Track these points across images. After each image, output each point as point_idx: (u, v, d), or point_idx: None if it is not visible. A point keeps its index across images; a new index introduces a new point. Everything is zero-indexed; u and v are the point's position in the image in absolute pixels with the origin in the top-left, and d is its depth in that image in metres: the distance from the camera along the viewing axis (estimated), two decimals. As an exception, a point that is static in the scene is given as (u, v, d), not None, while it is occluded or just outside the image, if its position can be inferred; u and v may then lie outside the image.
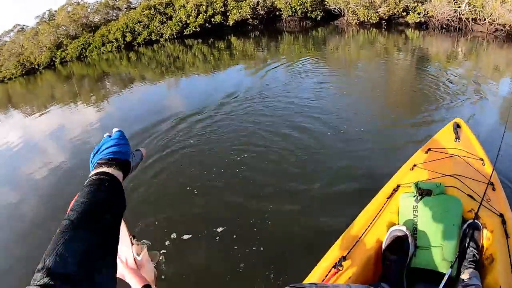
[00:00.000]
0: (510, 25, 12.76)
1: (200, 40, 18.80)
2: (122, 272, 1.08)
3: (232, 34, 19.12)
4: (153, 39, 20.92)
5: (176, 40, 20.31)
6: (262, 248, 2.94)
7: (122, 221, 1.19)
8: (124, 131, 0.91)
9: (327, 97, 6.96)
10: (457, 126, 2.83)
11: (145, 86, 11.20)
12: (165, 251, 3.07)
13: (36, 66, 22.17)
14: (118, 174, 0.80)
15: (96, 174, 0.77)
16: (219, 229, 3.23)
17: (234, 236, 3.14)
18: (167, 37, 20.58)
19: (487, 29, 13.59)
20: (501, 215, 1.84)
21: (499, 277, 1.52)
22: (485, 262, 1.70)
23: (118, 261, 1.07)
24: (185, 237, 3.22)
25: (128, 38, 20.47)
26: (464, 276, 1.57)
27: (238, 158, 4.64)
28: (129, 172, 0.88)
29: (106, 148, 0.87)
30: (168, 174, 4.54)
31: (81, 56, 21.12)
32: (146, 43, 20.89)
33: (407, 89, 7.13)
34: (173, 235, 3.25)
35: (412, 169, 2.40)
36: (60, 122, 8.49)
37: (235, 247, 3.00)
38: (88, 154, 0.83)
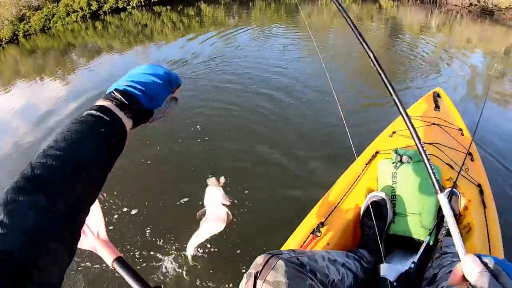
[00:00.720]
0: (484, 1, 13.01)
1: (168, 7, 17.98)
2: (94, 244, 1.01)
3: (202, 1, 18.36)
4: (120, 6, 19.64)
5: (144, 8, 19.29)
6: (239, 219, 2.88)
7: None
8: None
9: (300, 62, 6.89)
10: (437, 95, 2.81)
11: (113, 56, 10.58)
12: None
13: (-2, 42, 20.44)
14: (127, 122, 0.61)
15: (99, 109, 0.58)
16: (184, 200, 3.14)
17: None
18: (134, 5, 19.42)
19: (462, 3, 13.76)
20: (479, 185, 1.85)
21: (476, 246, 1.53)
22: (462, 231, 1.70)
23: (89, 233, 1.04)
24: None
25: (94, 6, 19.12)
26: (442, 244, 1.56)
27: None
28: (143, 122, 0.68)
29: (134, 77, 0.66)
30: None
31: (45, 28, 19.47)
32: (113, 11, 19.62)
33: (381, 58, 7.08)
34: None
35: (391, 136, 2.37)
36: (27, 98, 7.76)
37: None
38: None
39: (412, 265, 1.39)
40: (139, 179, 3.54)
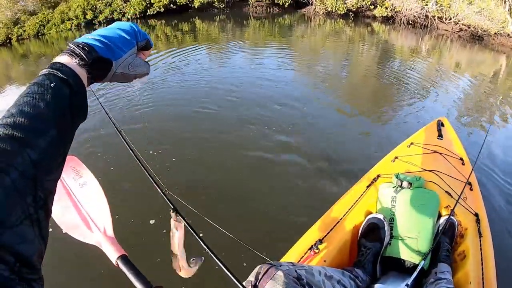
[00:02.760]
0: (474, 26, 13.32)
1: (163, 21, 17.90)
2: (99, 240, 1.03)
3: (197, 17, 18.28)
4: (115, 18, 19.25)
5: (138, 20, 19.07)
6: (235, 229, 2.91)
7: (99, 185, 1.11)
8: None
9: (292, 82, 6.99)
10: (441, 124, 2.86)
11: None
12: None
13: (-9, 44, 20.23)
14: (81, 72, 0.57)
15: (51, 66, 0.55)
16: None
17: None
18: (129, 17, 19.10)
19: (452, 28, 14.09)
20: (476, 214, 1.88)
21: (470, 273, 1.55)
22: (457, 258, 1.73)
23: (95, 228, 1.05)
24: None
25: (89, 15, 18.86)
26: (437, 269, 1.59)
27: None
28: (105, 76, 0.64)
29: (97, 31, 0.65)
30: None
31: (39, 34, 19.27)
32: (108, 21, 19.38)
33: (373, 83, 7.22)
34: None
35: (393, 161, 2.42)
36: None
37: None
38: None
39: None
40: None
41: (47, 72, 0.54)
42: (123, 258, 0.95)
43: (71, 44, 0.59)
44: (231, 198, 3.31)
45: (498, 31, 13.45)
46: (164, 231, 2.84)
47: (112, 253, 0.97)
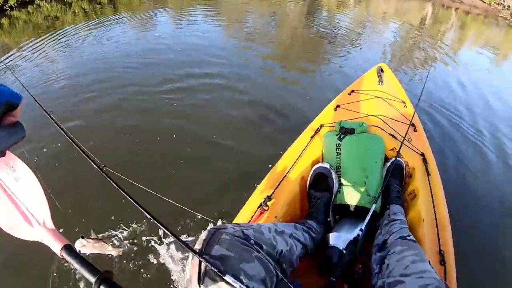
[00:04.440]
0: None
1: None
2: (40, 235, 0.96)
3: None
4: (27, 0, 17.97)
5: None
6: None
7: (34, 176, 1.04)
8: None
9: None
10: (381, 70, 2.84)
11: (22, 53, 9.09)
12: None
13: None
14: None
15: None
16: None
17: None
18: None
19: None
20: (422, 154, 1.87)
21: (422, 212, 1.54)
22: (408, 198, 1.71)
23: (35, 223, 0.98)
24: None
25: None
26: (389, 211, 1.55)
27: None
28: None
29: None
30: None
31: None
32: (20, 4, 17.57)
33: (304, 37, 7.22)
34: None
35: (336, 109, 2.35)
36: None
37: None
38: None
39: (360, 232, 1.36)
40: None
41: None
42: (67, 248, 0.91)
43: None
44: (171, 164, 3.10)
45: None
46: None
47: (56, 245, 0.93)
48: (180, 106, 4.07)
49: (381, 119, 2.10)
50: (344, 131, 1.89)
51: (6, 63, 7.30)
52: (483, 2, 14.55)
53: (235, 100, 4.23)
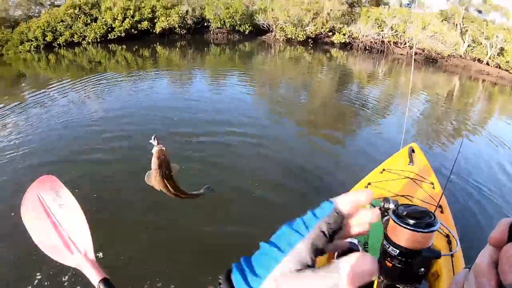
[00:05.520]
0: (428, 50, 14.14)
1: (124, 46, 17.74)
2: (80, 263, 1.02)
3: (158, 43, 18.43)
4: (75, 41, 19.05)
5: (99, 44, 18.86)
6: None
7: (79, 206, 1.12)
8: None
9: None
10: (412, 150, 2.95)
11: (64, 91, 9.17)
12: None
13: None
14: None
15: None
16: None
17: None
18: (90, 40, 18.97)
19: (407, 52, 14.87)
20: (447, 236, 1.93)
21: (443, 292, 1.58)
22: (431, 278, 1.76)
23: (75, 251, 1.04)
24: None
25: (49, 38, 18.39)
26: (411, 290, 1.61)
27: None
28: None
29: None
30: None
31: None
32: (68, 44, 18.73)
33: (334, 108, 7.42)
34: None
35: (367, 187, 2.46)
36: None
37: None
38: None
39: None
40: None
41: None
42: (105, 281, 0.95)
43: None
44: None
45: (451, 53, 14.35)
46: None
47: (94, 276, 0.97)
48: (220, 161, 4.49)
49: (409, 199, 2.19)
50: (375, 210, 1.99)
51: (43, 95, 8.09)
52: (510, 73, 14.59)
53: (271, 159, 4.54)
